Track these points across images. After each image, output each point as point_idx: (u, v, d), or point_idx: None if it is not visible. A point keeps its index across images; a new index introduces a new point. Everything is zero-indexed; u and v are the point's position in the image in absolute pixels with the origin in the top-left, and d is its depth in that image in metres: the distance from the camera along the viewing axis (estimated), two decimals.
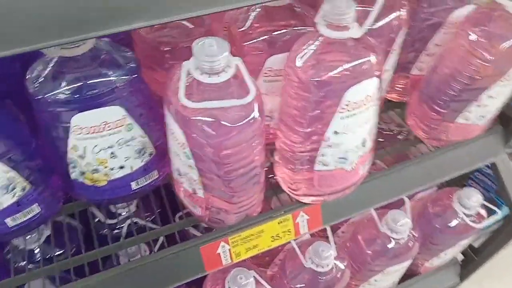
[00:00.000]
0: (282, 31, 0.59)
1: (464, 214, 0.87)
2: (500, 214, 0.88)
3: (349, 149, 0.60)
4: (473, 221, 0.87)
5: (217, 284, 0.77)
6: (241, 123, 0.49)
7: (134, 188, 0.64)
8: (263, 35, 0.59)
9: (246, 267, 0.77)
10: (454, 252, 0.99)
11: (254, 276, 0.75)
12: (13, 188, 0.54)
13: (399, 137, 0.92)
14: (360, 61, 0.53)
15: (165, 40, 0.61)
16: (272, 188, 0.72)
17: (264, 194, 0.68)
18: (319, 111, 0.55)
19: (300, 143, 0.59)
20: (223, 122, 0.48)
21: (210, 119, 0.48)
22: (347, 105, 0.54)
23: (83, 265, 0.63)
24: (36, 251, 0.76)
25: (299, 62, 0.54)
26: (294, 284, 0.80)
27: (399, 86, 0.85)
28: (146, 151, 0.61)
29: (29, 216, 0.59)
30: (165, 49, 0.60)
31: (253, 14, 0.60)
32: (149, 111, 0.59)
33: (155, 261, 0.61)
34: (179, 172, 0.59)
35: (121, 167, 0.60)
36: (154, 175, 0.65)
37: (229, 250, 0.65)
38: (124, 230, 0.77)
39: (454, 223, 0.89)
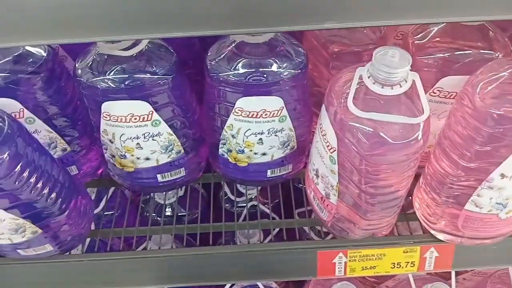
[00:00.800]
0: (466, 51, 0.54)
1: None
2: None
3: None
4: None
5: None
6: (402, 141, 0.46)
7: (269, 176, 0.66)
8: (443, 52, 0.55)
9: (352, 282, 0.75)
10: None
11: None
12: (171, 150, 0.60)
13: None
14: None
15: (336, 39, 0.60)
16: (403, 211, 0.67)
17: None
18: (489, 148, 0.49)
19: (456, 176, 0.53)
20: (383, 136, 0.46)
21: (370, 130, 0.46)
22: None
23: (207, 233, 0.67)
24: (167, 209, 0.84)
25: (479, 88, 0.49)
26: None
27: None
28: (289, 144, 0.62)
29: (175, 177, 0.65)
30: (335, 49, 0.59)
31: (436, 27, 0.56)
32: (304, 107, 0.60)
33: (272, 250, 0.62)
34: (317, 173, 0.58)
35: (263, 154, 0.62)
36: (289, 168, 0.66)
37: (345, 263, 0.63)
38: (245, 211, 0.80)
39: None
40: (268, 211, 0.79)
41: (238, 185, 0.83)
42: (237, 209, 0.87)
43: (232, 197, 0.82)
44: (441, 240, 0.62)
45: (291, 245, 0.62)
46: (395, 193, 0.53)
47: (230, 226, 0.69)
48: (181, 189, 0.81)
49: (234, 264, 0.63)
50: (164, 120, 0.56)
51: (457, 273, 0.89)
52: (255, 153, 0.61)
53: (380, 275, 0.68)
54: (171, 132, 0.57)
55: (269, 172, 0.65)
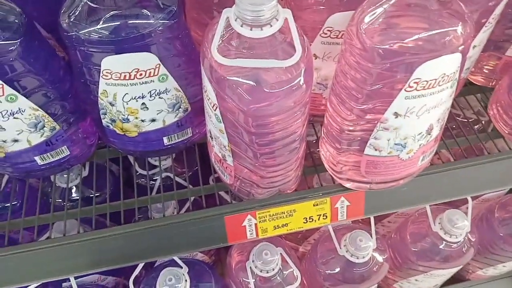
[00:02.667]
0: None
1: None
2: None
3: (410, 135, 0.50)
4: None
5: (243, 254, 0.74)
6: (281, 89, 0.42)
7: (167, 144, 0.60)
8: None
9: (275, 243, 0.73)
10: None
11: (281, 253, 0.70)
12: (42, 127, 0.53)
13: (475, 127, 0.78)
14: (442, 30, 0.43)
15: None
16: (315, 165, 0.64)
17: (305, 170, 0.62)
18: (380, 85, 0.46)
19: (352, 121, 0.50)
20: (259, 86, 0.42)
21: (245, 81, 0.42)
22: (416, 83, 0.44)
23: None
24: (73, 191, 0.77)
25: (364, 24, 0.45)
26: (325, 269, 0.75)
27: (487, 67, 0.72)
28: (181, 106, 0.56)
29: (58, 157, 0.58)
30: None
31: None
32: (189, 64, 0.53)
33: (178, 223, 0.57)
34: (211, 135, 0.54)
35: (153, 120, 0.56)
36: (188, 132, 0.61)
37: (255, 225, 0.60)
38: (157, 184, 0.75)
39: None
40: (184, 181, 0.74)
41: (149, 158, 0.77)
42: (151, 182, 0.82)
43: (144, 172, 0.76)
44: (351, 189, 0.60)
45: (196, 214, 0.58)
46: (289, 146, 0.49)
47: (143, 201, 0.63)
48: (84, 169, 0.74)
49: (143, 241, 0.58)
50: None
51: (382, 217, 0.90)
52: (143, 121, 0.55)
53: (300, 231, 0.65)
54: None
55: (165, 139, 0.59)
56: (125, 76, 0.49)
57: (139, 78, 0.49)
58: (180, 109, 0.57)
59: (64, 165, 0.59)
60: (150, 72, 0.50)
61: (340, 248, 0.71)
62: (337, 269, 0.73)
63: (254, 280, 0.68)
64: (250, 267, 0.69)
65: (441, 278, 0.84)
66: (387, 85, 0.46)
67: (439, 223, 0.74)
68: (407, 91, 0.45)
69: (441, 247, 0.74)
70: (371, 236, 0.72)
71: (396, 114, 0.48)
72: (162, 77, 0.51)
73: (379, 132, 0.50)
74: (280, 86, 0.42)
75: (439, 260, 0.75)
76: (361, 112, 0.49)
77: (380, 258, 0.74)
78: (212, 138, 0.54)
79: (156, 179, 0.80)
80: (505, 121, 0.66)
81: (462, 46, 0.44)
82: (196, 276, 0.70)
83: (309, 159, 0.66)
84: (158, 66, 0.49)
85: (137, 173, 0.78)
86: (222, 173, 0.57)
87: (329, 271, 0.74)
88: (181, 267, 0.68)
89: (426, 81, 0.45)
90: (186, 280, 0.67)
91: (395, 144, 0.51)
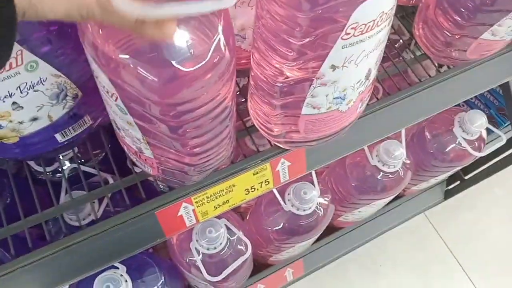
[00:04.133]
0: None
1: (465, 139, 0.76)
2: (504, 139, 0.78)
3: (349, 86, 0.44)
4: (474, 148, 0.77)
5: (183, 232, 0.67)
6: (197, 67, 0.32)
7: (62, 141, 0.48)
8: None
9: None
10: (446, 176, 0.92)
11: (225, 225, 0.64)
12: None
13: (396, 45, 0.75)
14: None
15: None
16: (246, 128, 0.57)
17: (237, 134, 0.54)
18: (312, 38, 0.38)
19: (282, 82, 0.43)
20: (169, 65, 0.31)
21: (146, 59, 0.31)
22: (353, 28, 0.37)
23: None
24: None
25: None
26: (273, 226, 0.71)
27: None
28: (69, 93, 0.44)
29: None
30: None
31: None
32: (63, 38, 0.40)
33: (101, 233, 0.48)
34: (117, 126, 0.43)
35: (35, 119, 0.43)
36: (86, 121, 0.49)
37: (193, 210, 0.52)
38: (63, 184, 0.62)
39: (452, 149, 0.78)
40: (93, 170, 0.62)
41: None
42: (53, 179, 0.69)
43: (39, 168, 0.63)
44: (290, 149, 0.54)
45: (120, 218, 0.49)
46: (218, 127, 0.41)
47: (50, 213, 0.51)
48: None
49: (62, 264, 0.48)
50: None
51: None
52: (20, 123, 0.42)
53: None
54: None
55: (58, 136, 0.47)
56: None
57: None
58: (68, 97, 0.44)
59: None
60: (11, 63, 0.36)
61: (285, 204, 0.68)
62: (285, 224, 0.70)
63: (202, 260, 0.63)
64: (196, 248, 0.63)
65: (383, 204, 0.86)
66: (320, 36, 0.38)
67: (376, 156, 0.73)
68: (344, 39, 0.38)
69: (381, 178, 0.74)
70: (313, 185, 0.68)
71: (334, 67, 0.41)
72: (31, 65, 0.38)
73: (316, 89, 0.43)
74: (194, 63, 0.32)
75: (380, 191, 0.75)
76: (291, 70, 0.41)
77: (324, 201, 0.72)
78: (119, 129, 0.43)
79: (59, 175, 0.67)
80: (431, 42, 0.63)
81: None
82: (137, 272, 0.63)
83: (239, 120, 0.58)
84: (20, 52, 0.36)
85: (33, 170, 0.65)
86: (142, 165, 0.48)
87: (277, 228, 0.71)
88: (117, 268, 0.60)
89: (364, 24, 0.37)
90: (126, 281, 0.59)
91: (334, 98, 0.45)
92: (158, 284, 0.65)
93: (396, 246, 1.10)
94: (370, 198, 0.78)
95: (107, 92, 0.36)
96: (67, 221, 0.60)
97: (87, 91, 0.45)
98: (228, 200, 0.55)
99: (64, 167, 0.67)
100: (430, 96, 0.61)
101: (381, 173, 0.74)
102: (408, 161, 0.77)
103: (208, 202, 0.53)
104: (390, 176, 0.74)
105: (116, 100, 0.36)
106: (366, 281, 1.06)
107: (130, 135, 0.41)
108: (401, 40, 0.75)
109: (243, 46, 0.52)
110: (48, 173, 0.68)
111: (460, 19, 0.56)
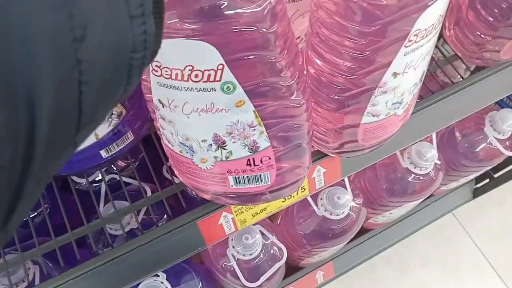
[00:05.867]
0: None
1: (496, 138, 0.76)
2: None
3: (406, 90, 0.44)
4: (505, 147, 0.76)
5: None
6: None
7: (106, 156, 0.50)
8: None
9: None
10: (475, 175, 0.91)
11: (260, 231, 0.65)
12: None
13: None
14: None
15: None
16: None
17: None
18: (374, 49, 0.38)
19: (343, 96, 0.43)
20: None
21: None
22: (416, 35, 0.37)
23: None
24: None
25: None
26: (305, 231, 0.72)
27: None
28: (113, 112, 0.45)
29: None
30: None
31: None
32: None
33: (147, 244, 0.49)
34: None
35: None
36: (129, 137, 0.50)
37: (233, 219, 0.53)
38: (103, 190, 0.64)
39: (483, 149, 0.78)
40: (132, 180, 0.64)
41: None
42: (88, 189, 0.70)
43: (76, 179, 0.65)
44: (325, 155, 0.54)
45: (164, 229, 0.50)
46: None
47: (95, 226, 0.53)
48: None
49: (108, 276, 0.50)
50: None
51: None
52: None
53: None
54: None
55: (103, 153, 0.49)
56: None
57: None
58: (113, 116, 0.45)
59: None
60: None
61: (318, 209, 0.68)
62: (318, 229, 0.71)
63: (238, 266, 0.64)
64: (232, 254, 0.64)
65: (413, 206, 0.86)
66: (385, 47, 0.38)
67: (408, 158, 0.73)
68: (406, 46, 0.38)
69: (413, 181, 0.74)
70: (346, 189, 0.69)
71: (395, 74, 0.41)
72: None
73: (377, 98, 0.43)
74: None
75: (411, 193, 0.75)
76: (354, 84, 0.42)
77: (357, 206, 0.72)
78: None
79: (95, 185, 0.68)
80: (463, 42, 0.62)
81: None
82: (176, 278, 0.64)
83: None
84: None
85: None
86: (254, 179, 0.45)
87: (309, 232, 0.71)
88: (158, 275, 0.62)
89: (426, 29, 0.37)
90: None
91: (393, 104, 0.45)
92: None
93: (424, 245, 1.09)
94: (401, 201, 0.77)
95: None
96: (107, 230, 0.62)
97: (131, 109, 0.46)
98: (265, 208, 0.56)
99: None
100: (463, 98, 0.61)
101: (413, 175, 0.74)
102: (439, 162, 0.76)
103: (247, 211, 0.54)
104: (421, 178, 0.74)
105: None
106: (395, 280, 1.06)
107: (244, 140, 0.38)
108: None
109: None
110: (84, 184, 0.70)
111: (493, 20, 0.55)
